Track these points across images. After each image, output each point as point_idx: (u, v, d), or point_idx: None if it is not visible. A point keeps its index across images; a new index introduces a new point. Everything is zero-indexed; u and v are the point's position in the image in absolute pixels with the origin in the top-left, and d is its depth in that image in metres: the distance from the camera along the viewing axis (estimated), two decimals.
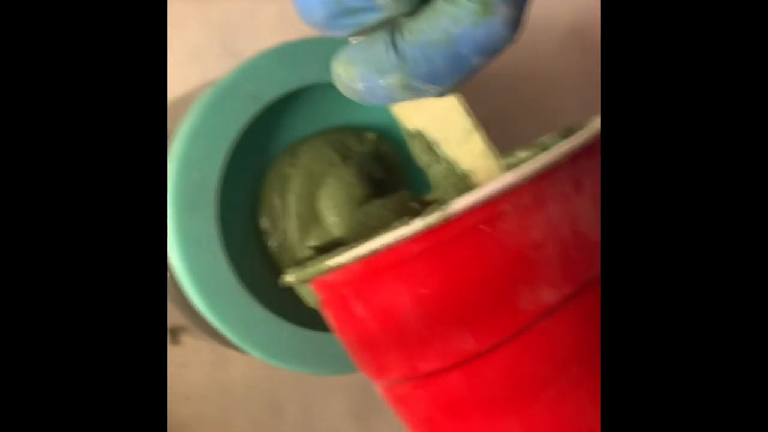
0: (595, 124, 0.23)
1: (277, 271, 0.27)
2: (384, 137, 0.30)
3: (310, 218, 0.28)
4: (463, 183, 0.24)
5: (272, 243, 0.28)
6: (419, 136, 0.24)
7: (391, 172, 0.30)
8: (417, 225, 0.20)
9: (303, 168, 0.28)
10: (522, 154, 0.28)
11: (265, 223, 0.28)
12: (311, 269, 0.23)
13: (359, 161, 0.28)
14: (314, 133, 0.29)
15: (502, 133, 0.42)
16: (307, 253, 0.27)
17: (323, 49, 0.27)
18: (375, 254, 0.21)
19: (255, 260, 0.27)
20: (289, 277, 0.24)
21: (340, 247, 0.24)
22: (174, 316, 0.29)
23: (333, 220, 0.27)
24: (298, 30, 0.38)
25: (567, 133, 0.25)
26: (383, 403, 0.40)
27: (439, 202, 0.21)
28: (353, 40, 0.21)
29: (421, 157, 0.24)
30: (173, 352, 0.37)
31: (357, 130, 0.29)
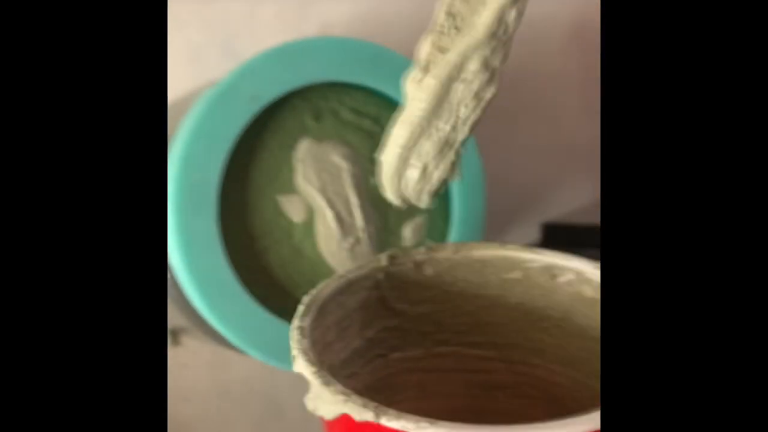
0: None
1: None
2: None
3: None
4: None
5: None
6: None
7: None
8: None
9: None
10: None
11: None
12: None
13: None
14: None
15: (502, 132, 0.42)
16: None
17: (323, 49, 0.27)
18: None
19: (255, 261, 0.27)
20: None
21: None
22: (174, 318, 0.29)
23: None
24: (297, 30, 0.39)
25: None
26: None
27: None
28: None
29: None
30: (173, 353, 0.37)
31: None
